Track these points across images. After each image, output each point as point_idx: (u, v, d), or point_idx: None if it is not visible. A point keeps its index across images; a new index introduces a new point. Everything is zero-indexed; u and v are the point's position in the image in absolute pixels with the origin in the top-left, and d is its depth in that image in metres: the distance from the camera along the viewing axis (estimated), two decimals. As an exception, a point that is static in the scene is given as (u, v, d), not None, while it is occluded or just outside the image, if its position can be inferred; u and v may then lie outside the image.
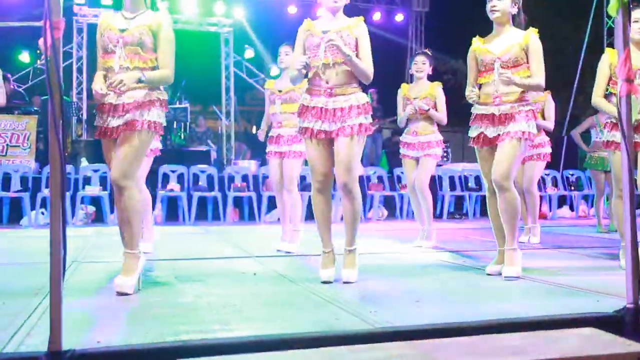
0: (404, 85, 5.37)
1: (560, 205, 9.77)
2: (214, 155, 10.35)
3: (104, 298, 2.99)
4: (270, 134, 4.97)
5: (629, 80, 2.49)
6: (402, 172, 9.48)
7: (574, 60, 11.18)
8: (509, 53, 3.53)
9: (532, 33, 3.55)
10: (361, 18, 3.42)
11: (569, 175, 10.09)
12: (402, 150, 5.34)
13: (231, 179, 8.89)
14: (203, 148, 10.34)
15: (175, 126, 10.65)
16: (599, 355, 2.02)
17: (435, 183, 9.66)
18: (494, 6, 3.53)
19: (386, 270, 3.96)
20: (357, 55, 3.31)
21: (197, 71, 12.51)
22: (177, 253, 4.78)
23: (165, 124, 3.25)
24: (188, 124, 11.14)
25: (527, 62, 3.53)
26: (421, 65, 5.19)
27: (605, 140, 3.95)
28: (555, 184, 9.89)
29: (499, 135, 3.54)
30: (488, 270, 3.67)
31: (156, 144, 4.70)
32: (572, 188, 9.99)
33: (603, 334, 2.28)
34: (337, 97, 3.32)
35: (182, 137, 11.42)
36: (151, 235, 4.74)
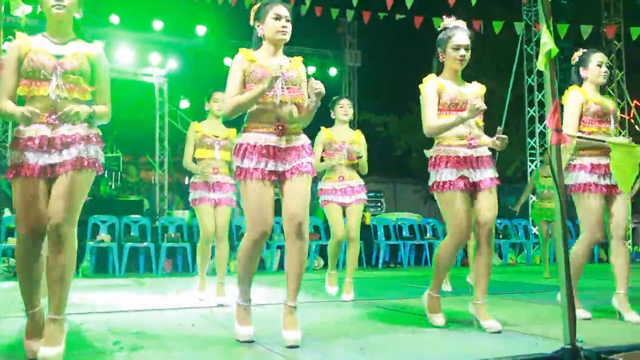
0: (325, 129, 5.12)
1: (490, 253, 10.04)
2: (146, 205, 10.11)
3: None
4: (200, 179, 4.72)
5: (558, 130, 2.64)
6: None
7: (499, 114, 11.75)
8: (477, 98, 3.45)
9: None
10: (301, 58, 3.27)
11: (497, 224, 10.44)
12: (326, 197, 5.03)
13: (165, 229, 8.67)
14: (135, 198, 10.08)
15: (106, 175, 10.36)
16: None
17: (370, 232, 9.77)
18: (463, 56, 3.50)
19: (327, 318, 3.92)
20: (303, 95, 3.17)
21: (130, 120, 12.32)
22: (109, 306, 4.56)
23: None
24: (120, 173, 10.88)
25: None
26: (348, 109, 5.10)
27: (582, 184, 3.77)
28: (485, 232, 10.19)
29: (481, 179, 3.44)
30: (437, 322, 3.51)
31: None
32: (501, 236, 10.33)
33: (544, 375, 2.34)
34: (290, 136, 3.11)
35: (113, 187, 11.12)
36: None
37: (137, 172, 11.54)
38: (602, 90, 4.02)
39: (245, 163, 3.03)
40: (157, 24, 12.92)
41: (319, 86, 3.01)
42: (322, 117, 5.38)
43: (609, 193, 3.74)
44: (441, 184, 3.43)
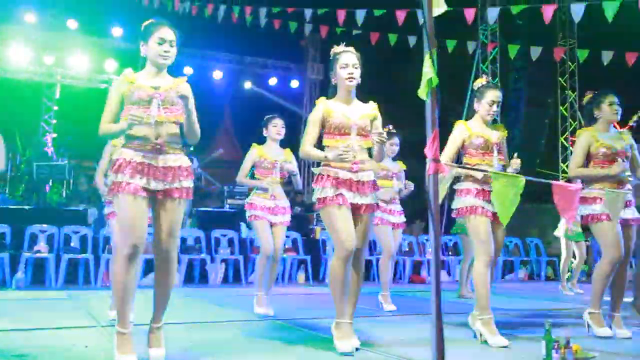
0: (258, 147, 5.24)
1: (438, 270, 10.03)
2: (92, 216, 9.89)
3: None
4: None
5: (436, 160, 2.63)
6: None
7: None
8: (364, 121, 3.65)
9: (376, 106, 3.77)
10: (185, 78, 3.31)
11: (447, 241, 10.46)
12: (256, 212, 5.09)
13: (107, 240, 8.48)
14: (80, 207, 9.88)
15: (51, 184, 10.14)
16: None
17: (319, 246, 9.68)
18: (352, 74, 3.64)
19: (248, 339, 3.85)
20: (184, 115, 3.18)
21: (84, 128, 12.08)
22: (15, 323, 4.39)
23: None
24: (68, 181, 10.66)
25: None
26: (281, 128, 5.24)
27: (469, 206, 3.90)
28: (434, 249, 10.20)
29: (360, 204, 3.57)
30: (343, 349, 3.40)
31: None
32: (450, 253, 10.34)
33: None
34: (167, 156, 3.13)
35: (64, 195, 10.90)
36: None
37: (87, 180, 11.30)
38: (494, 121, 4.25)
39: (119, 177, 3.06)
40: (116, 31, 12.83)
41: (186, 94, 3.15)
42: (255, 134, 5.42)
43: (494, 219, 3.86)
44: (322, 199, 3.56)
